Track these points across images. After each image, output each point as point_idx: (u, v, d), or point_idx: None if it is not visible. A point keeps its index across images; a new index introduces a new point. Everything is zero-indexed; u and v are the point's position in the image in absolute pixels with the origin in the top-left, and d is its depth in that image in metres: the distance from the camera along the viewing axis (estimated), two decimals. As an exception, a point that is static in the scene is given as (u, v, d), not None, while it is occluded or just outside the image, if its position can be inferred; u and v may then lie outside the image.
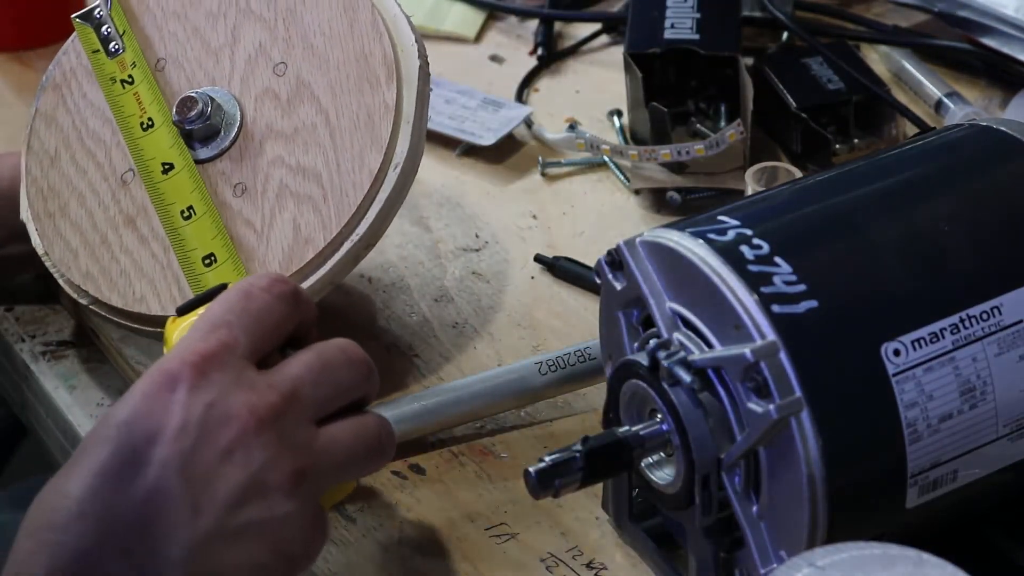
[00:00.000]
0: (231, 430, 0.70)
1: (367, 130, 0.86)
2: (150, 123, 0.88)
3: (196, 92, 0.88)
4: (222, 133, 0.88)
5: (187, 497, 0.69)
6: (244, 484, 0.70)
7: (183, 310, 0.77)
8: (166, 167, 0.86)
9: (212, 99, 0.88)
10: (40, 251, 0.90)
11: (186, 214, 0.85)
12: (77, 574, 0.68)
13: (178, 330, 0.77)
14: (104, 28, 0.91)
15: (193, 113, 0.88)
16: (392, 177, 0.86)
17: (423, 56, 0.88)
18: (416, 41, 0.88)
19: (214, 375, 0.71)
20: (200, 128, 0.88)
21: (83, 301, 0.89)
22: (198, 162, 0.88)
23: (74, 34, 0.93)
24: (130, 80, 0.89)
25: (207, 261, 0.84)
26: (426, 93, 0.88)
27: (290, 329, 0.75)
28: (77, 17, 0.92)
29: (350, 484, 0.78)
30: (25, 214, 0.91)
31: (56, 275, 0.89)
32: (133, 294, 0.87)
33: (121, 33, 0.90)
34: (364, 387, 0.75)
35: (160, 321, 0.86)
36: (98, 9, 0.92)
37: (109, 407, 0.71)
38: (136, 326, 0.88)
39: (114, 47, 0.90)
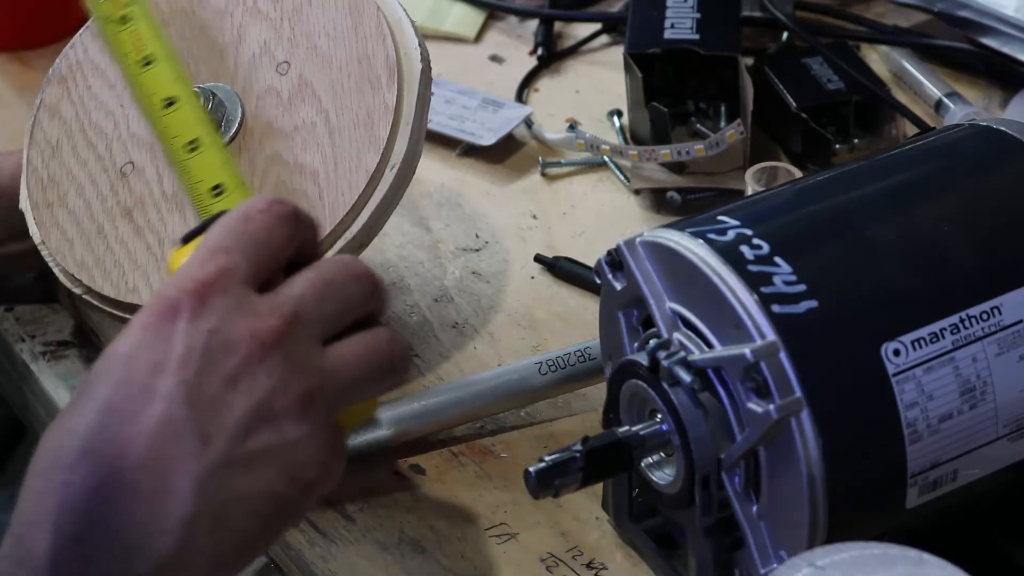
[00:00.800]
0: (235, 357, 0.69)
1: (366, 130, 0.86)
2: (149, 60, 0.87)
3: (199, 88, 0.88)
4: (222, 128, 0.88)
5: (195, 427, 0.68)
6: (252, 410, 0.69)
7: (187, 238, 0.75)
8: (167, 102, 0.86)
9: (214, 95, 0.88)
10: (37, 240, 0.90)
11: (191, 147, 0.85)
12: (87, 513, 0.67)
13: (181, 259, 0.75)
14: None
15: None
16: (389, 177, 0.86)
17: (425, 60, 0.88)
18: (419, 45, 0.88)
19: (214, 302, 0.69)
20: None
21: (77, 290, 0.89)
22: None
23: (82, 28, 0.93)
24: (128, 19, 0.89)
25: (215, 191, 0.83)
26: (427, 96, 0.88)
27: (292, 250, 0.73)
28: None
29: (370, 405, 0.76)
30: (24, 204, 0.91)
31: (52, 264, 0.90)
32: (126, 284, 0.87)
33: None
34: (371, 302, 0.74)
35: None
36: None
37: (108, 345, 0.70)
38: (128, 316, 0.88)
39: None
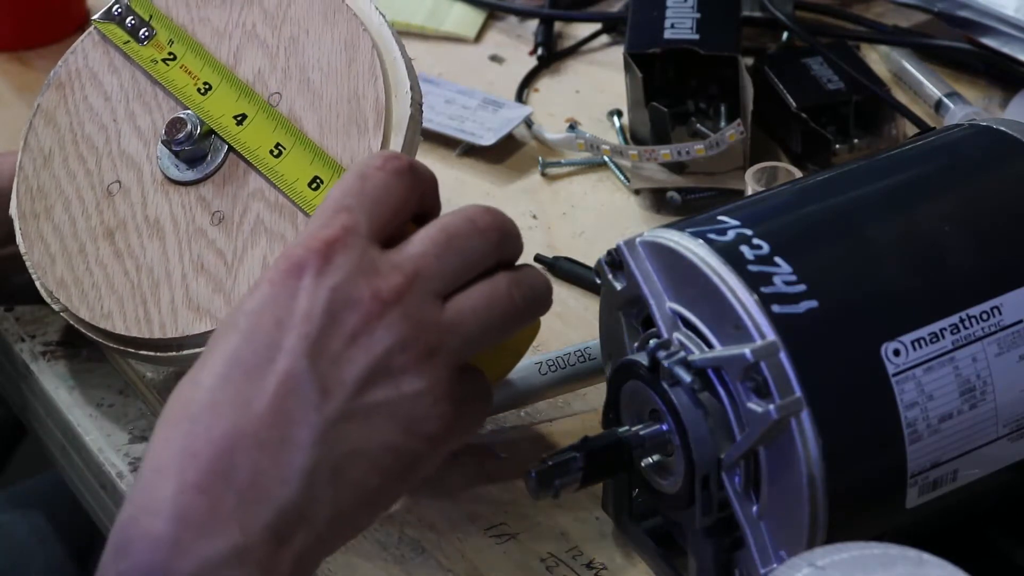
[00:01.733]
0: (356, 314, 0.71)
1: None
2: (207, 86, 0.87)
3: (186, 113, 0.87)
4: (208, 157, 0.87)
5: (315, 380, 0.70)
6: (371, 366, 0.71)
7: None
8: (239, 118, 0.86)
9: (202, 122, 0.87)
10: (22, 250, 0.90)
11: (276, 152, 0.85)
12: (210, 462, 0.68)
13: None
14: (128, 20, 0.91)
15: (181, 135, 0.87)
16: None
17: (416, 104, 0.86)
18: (411, 88, 0.86)
19: (338, 259, 0.72)
20: (187, 150, 0.87)
21: (55, 307, 0.89)
22: (180, 183, 0.88)
23: (85, 33, 0.93)
24: (172, 56, 0.89)
25: (314, 185, 0.84)
26: (415, 142, 0.87)
27: (413, 203, 0.76)
28: (97, 18, 0.91)
29: (527, 335, 0.78)
30: (13, 210, 0.91)
31: (33, 277, 0.90)
32: (101, 309, 0.87)
33: (148, 19, 0.90)
34: (496, 254, 0.75)
35: (123, 340, 0.86)
36: (116, 7, 0.91)
37: (239, 300, 0.72)
38: (101, 341, 0.88)
39: (144, 34, 0.90)
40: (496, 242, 0.76)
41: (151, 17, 0.90)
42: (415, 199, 0.76)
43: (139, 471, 0.71)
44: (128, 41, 0.90)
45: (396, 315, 0.72)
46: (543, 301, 0.77)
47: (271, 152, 0.85)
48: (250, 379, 0.70)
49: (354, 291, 0.71)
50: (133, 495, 0.70)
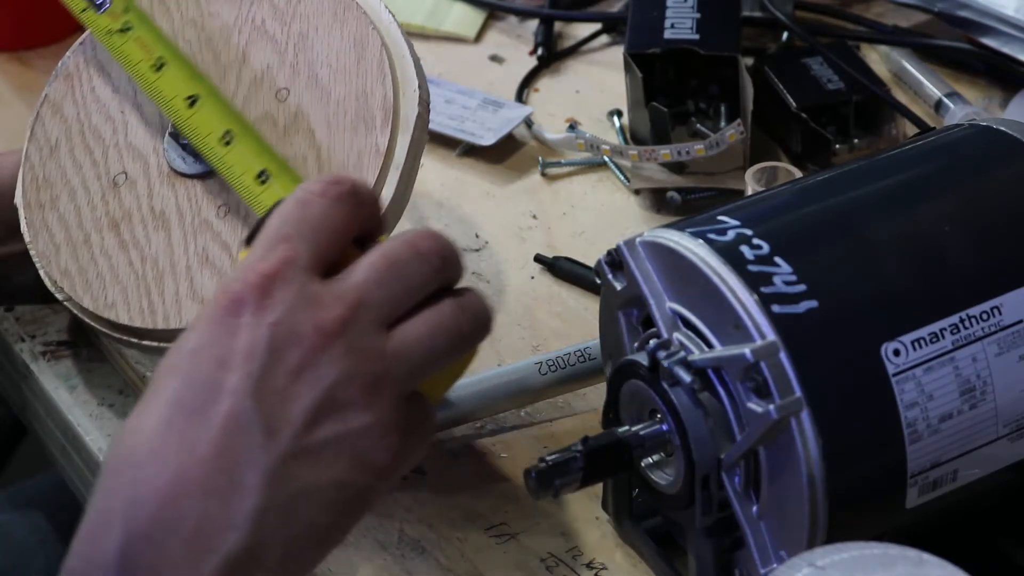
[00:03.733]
0: (299, 349, 0.69)
1: (355, 172, 0.85)
2: (160, 63, 0.87)
3: None
4: None
5: (260, 420, 0.68)
6: (317, 401, 0.69)
7: (249, 238, 0.75)
8: (191, 99, 0.86)
9: None
10: (26, 239, 0.90)
11: (226, 139, 0.84)
12: (157, 510, 0.67)
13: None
14: None
15: None
16: None
17: (424, 103, 0.87)
18: (419, 87, 0.87)
19: (277, 293, 0.70)
20: None
21: (59, 296, 0.89)
22: (187, 176, 0.88)
23: None
24: (128, 27, 0.89)
25: (261, 179, 0.83)
26: (421, 140, 0.87)
27: (353, 229, 0.74)
28: None
29: (457, 369, 0.76)
30: (18, 199, 0.91)
31: (38, 266, 0.90)
32: (105, 299, 0.87)
33: None
34: (438, 278, 0.73)
35: (127, 330, 0.86)
36: None
37: (176, 340, 0.70)
38: (104, 331, 0.88)
39: (99, 1, 0.90)
40: (438, 267, 0.73)
41: None
42: (357, 223, 0.74)
43: (83, 521, 0.69)
44: (85, 9, 0.90)
45: (340, 347, 0.69)
46: (487, 325, 0.75)
47: (221, 139, 0.84)
48: (193, 422, 0.68)
49: (296, 325, 0.69)
50: (77, 546, 0.68)
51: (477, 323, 0.74)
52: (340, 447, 0.69)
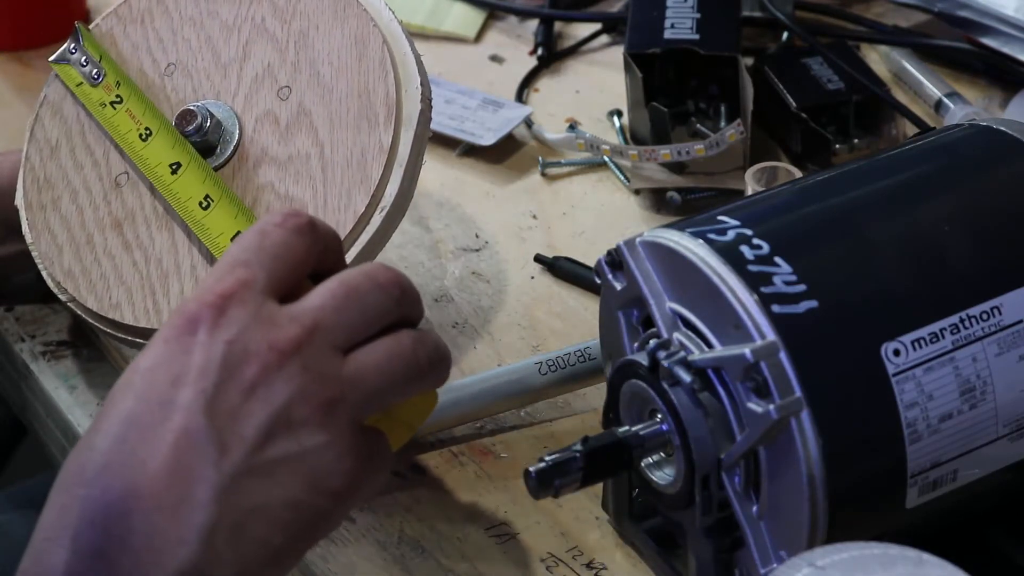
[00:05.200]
0: (253, 366, 0.69)
1: (358, 169, 0.85)
2: (148, 132, 0.88)
3: (196, 105, 0.88)
4: (218, 150, 0.87)
5: (213, 436, 0.68)
6: (270, 419, 0.69)
7: None
8: (174, 167, 0.86)
9: (212, 114, 0.87)
10: (28, 240, 0.90)
11: (204, 204, 0.85)
12: (106, 525, 0.67)
13: None
14: (82, 60, 0.91)
15: (191, 127, 0.87)
16: (377, 220, 0.85)
17: (426, 100, 0.87)
18: (421, 84, 0.87)
19: (233, 313, 0.70)
20: (197, 142, 0.87)
21: (62, 297, 0.89)
22: None
23: (92, 25, 0.93)
24: (119, 100, 0.89)
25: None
26: (424, 137, 0.87)
27: (311, 260, 0.74)
28: (53, 60, 0.92)
29: (423, 407, 0.76)
30: (19, 201, 0.91)
31: (40, 267, 0.90)
32: (109, 299, 0.87)
33: (98, 59, 0.91)
34: (397, 310, 0.73)
35: (131, 330, 0.86)
36: (71, 46, 0.92)
37: (132, 360, 0.70)
38: (108, 331, 0.88)
39: (95, 74, 0.90)
40: (397, 298, 0.73)
41: (101, 58, 0.91)
42: (314, 257, 0.74)
43: (31, 542, 0.68)
44: (81, 83, 0.91)
45: (295, 366, 0.69)
46: (445, 364, 0.75)
47: (200, 204, 0.85)
48: (145, 438, 0.68)
49: (250, 343, 0.69)
50: (26, 565, 0.68)
51: (435, 357, 0.74)
52: (293, 466, 0.69)
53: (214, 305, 0.70)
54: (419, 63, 0.88)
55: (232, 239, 0.83)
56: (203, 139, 0.87)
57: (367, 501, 0.72)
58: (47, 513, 0.68)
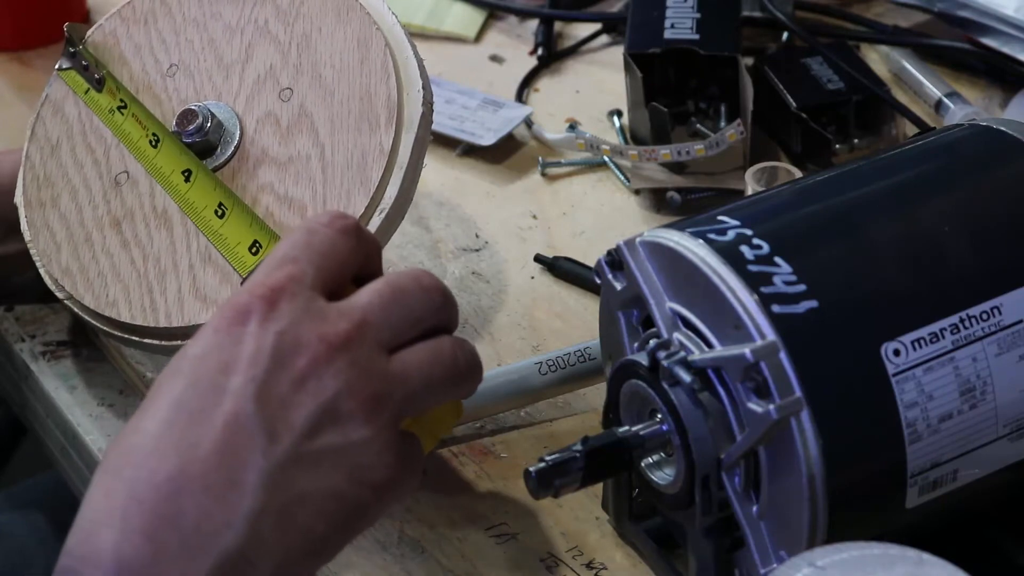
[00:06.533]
0: (303, 358, 0.70)
1: (358, 171, 0.85)
2: (155, 138, 0.88)
3: (197, 106, 0.88)
4: (218, 150, 0.88)
5: (262, 423, 0.69)
6: (319, 410, 0.70)
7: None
8: (186, 174, 0.87)
9: (213, 115, 0.87)
10: (27, 237, 0.90)
11: (219, 212, 0.85)
12: (155, 507, 0.67)
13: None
14: (83, 63, 0.91)
15: (192, 127, 0.87)
16: (376, 221, 0.85)
17: (428, 103, 0.87)
18: (423, 87, 0.87)
19: (283, 305, 0.71)
20: (197, 142, 0.87)
21: (60, 295, 0.89)
22: None
23: (95, 26, 0.93)
24: (123, 104, 0.90)
25: (253, 249, 0.84)
26: (425, 140, 0.87)
27: (357, 262, 0.75)
28: (59, 68, 0.92)
29: (447, 419, 0.78)
30: (19, 198, 0.91)
31: (38, 264, 0.90)
32: (106, 297, 0.87)
33: (95, 64, 0.91)
34: (439, 315, 0.75)
35: (128, 328, 0.86)
36: (68, 51, 0.92)
37: (180, 349, 0.72)
38: (105, 329, 0.88)
39: (98, 77, 0.91)
40: (439, 304, 0.75)
41: (95, 63, 0.91)
42: (359, 259, 0.76)
43: (75, 522, 0.69)
44: (88, 90, 0.91)
45: (344, 360, 0.71)
46: (480, 372, 0.77)
47: (215, 212, 0.85)
48: (195, 422, 0.69)
49: (301, 335, 0.71)
50: (70, 545, 0.68)
51: (472, 364, 0.76)
52: (338, 458, 0.70)
53: (265, 297, 0.71)
54: (421, 67, 0.88)
55: (249, 248, 0.84)
56: (203, 139, 0.87)
57: (401, 502, 0.73)
58: (92, 495, 0.69)
